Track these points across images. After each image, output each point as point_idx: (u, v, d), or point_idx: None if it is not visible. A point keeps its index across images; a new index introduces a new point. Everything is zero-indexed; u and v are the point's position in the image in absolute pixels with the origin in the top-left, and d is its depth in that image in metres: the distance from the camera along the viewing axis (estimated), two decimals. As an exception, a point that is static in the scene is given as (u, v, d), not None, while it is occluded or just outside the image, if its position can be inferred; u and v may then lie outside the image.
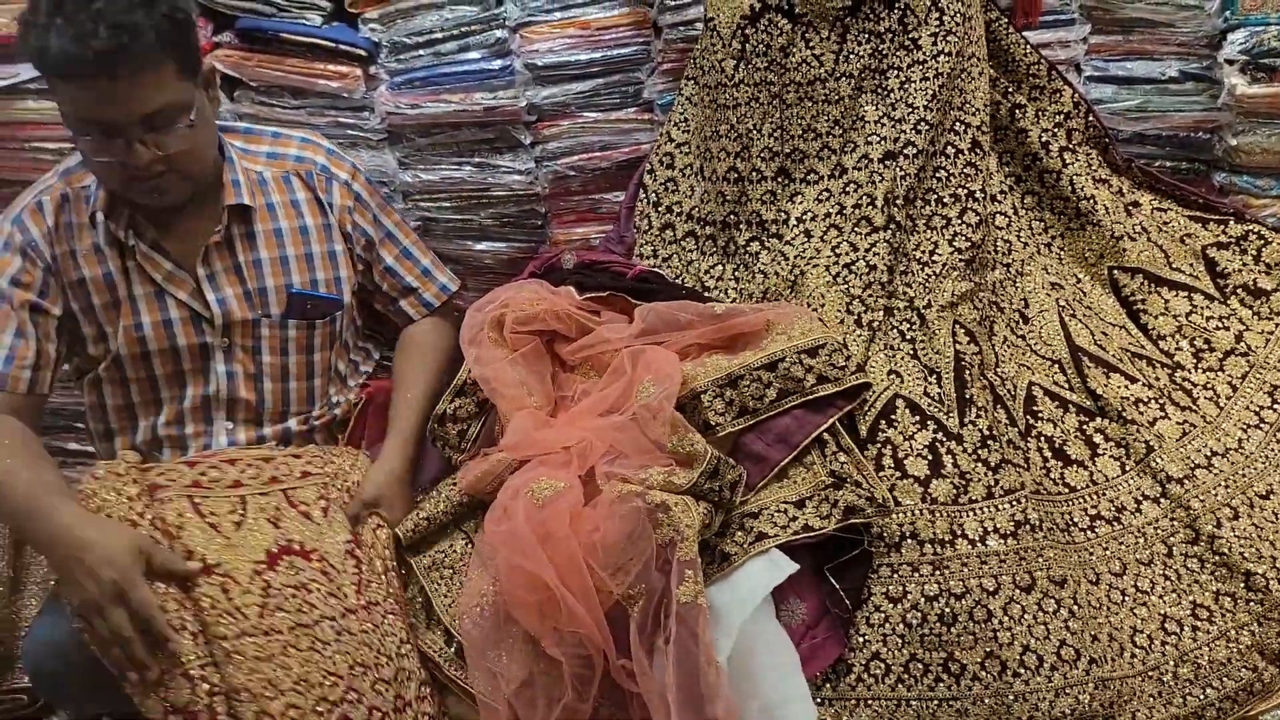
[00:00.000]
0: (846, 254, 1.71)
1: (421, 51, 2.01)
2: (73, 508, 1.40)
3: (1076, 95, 1.86)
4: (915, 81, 1.74)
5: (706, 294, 1.81)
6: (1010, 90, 1.87)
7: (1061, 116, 1.86)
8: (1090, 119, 1.87)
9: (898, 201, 1.72)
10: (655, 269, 1.83)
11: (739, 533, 1.42)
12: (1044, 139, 1.86)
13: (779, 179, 1.80)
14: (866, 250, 1.70)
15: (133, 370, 1.67)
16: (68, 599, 1.36)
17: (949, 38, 1.73)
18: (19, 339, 1.59)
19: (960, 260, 1.72)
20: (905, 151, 1.73)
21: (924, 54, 1.73)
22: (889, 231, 1.70)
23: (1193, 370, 1.72)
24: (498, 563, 1.39)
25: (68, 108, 1.47)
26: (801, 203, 1.79)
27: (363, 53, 2.00)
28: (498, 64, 1.99)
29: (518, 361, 1.62)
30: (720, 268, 1.84)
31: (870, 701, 1.37)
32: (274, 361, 1.71)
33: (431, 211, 2.12)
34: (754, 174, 1.81)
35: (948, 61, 1.73)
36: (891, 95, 1.75)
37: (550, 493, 1.38)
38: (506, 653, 1.40)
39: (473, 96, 2.00)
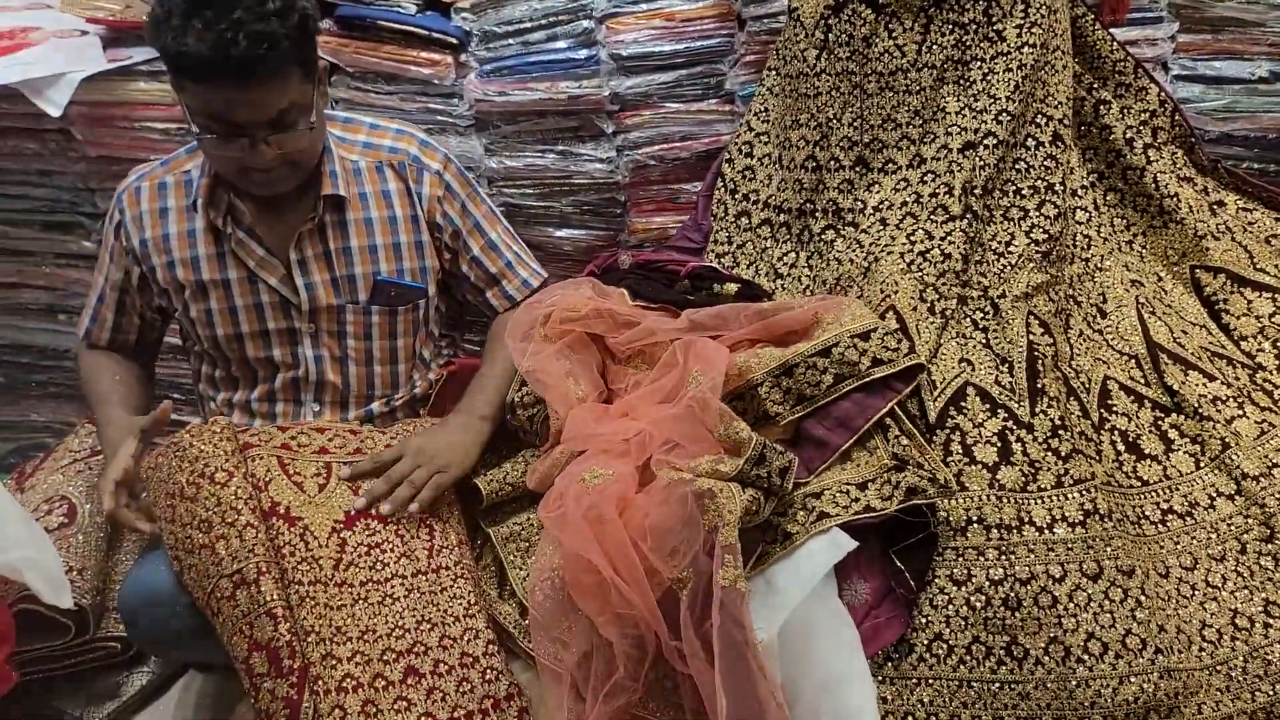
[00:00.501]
0: (922, 241, 1.72)
1: (510, 40, 2.06)
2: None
3: (1163, 94, 1.85)
4: (999, 73, 1.74)
5: (769, 289, 1.83)
6: (1095, 86, 1.86)
7: (1147, 115, 1.85)
8: (1176, 118, 1.85)
9: (975, 191, 1.73)
10: (711, 265, 1.85)
11: (801, 513, 1.44)
12: (1128, 135, 1.84)
13: (857, 168, 1.82)
14: (942, 239, 1.71)
15: (228, 349, 1.75)
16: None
17: (1034, 30, 1.73)
18: (118, 315, 1.81)
19: (1036, 252, 1.71)
20: (985, 142, 1.73)
21: (1008, 45, 1.73)
22: (965, 220, 1.71)
23: (1274, 372, 1.69)
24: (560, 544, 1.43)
25: (195, 105, 1.51)
26: (879, 192, 1.80)
27: (454, 41, 2.06)
28: (583, 54, 2.04)
29: (564, 353, 1.65)
30: (794, 255, 1.86)
31: (931, 681, 1.38)
32: (358, 346, 1.76)
33: (514, 198, 2.17)
34: (832, 163, 1.82)
35: (1031, 54, 1.73)
36: (974, 87, 1.75)
37: (600, 481, 1.41)
38: (571, 626, 1.43)
39: (558, 85, 2.05)
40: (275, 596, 1.37)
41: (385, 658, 1.43)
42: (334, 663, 1.38)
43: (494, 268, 1.84)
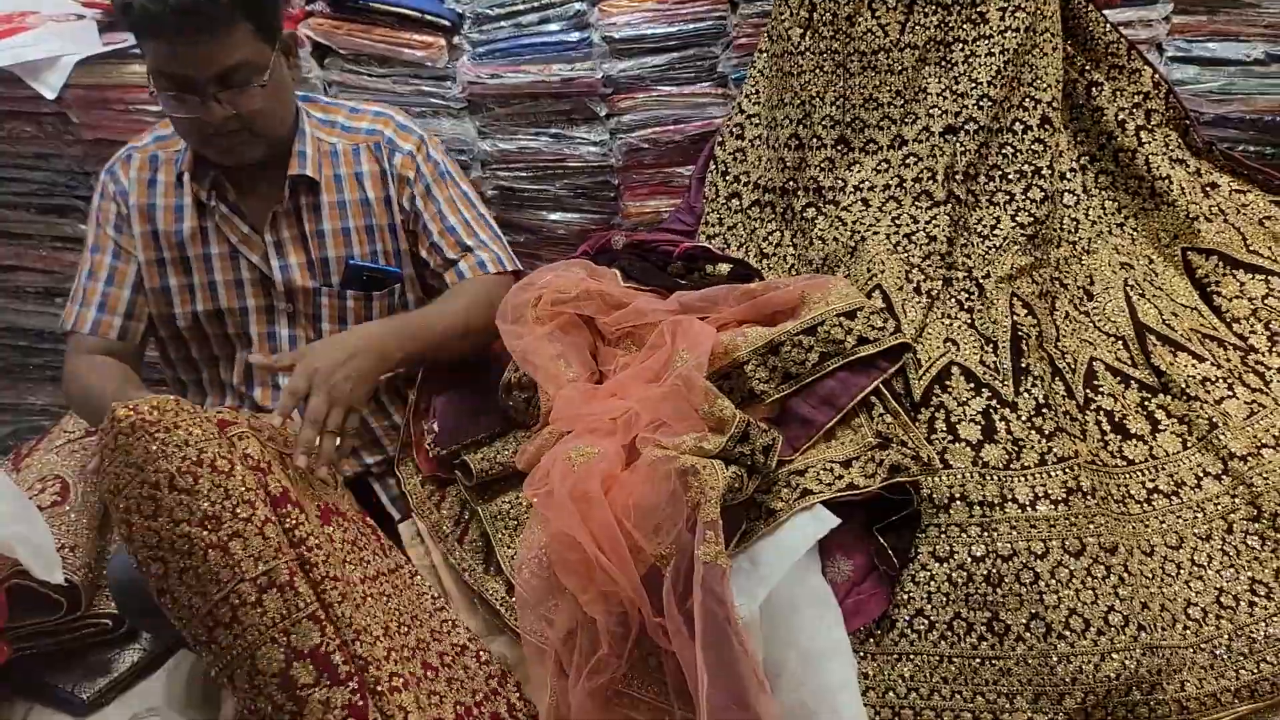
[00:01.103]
0: (907, 225, 1.72)
1: (503, 23, 2.07)
2: None
3: (1156, 76, 1.84)
4: (980, 56, 1.74)
5: (759, 268, 1.82)
6: (1087, 68, 1.85)
7: (1140, 97, 1.84)
8: (1170, 100, 1.84)
9: (957, 176, 1.73)
10: (704, 245, 1.85)
11: (785, 490, 1.43)
12: (1120, 117, 1.84)
13: (838, 147, 1.82)
14: (927, 223, 1.71)
15: (207, 325, 1.75)
16: None
17: (1018, 13, 1.73)
18: (110, 286, 1.71)
19: (1021, 235, 1.71)
20: (966, 127, 1.73)
21: (991, 28, 1.74)
22: (949, 205, 1.71)
23: (1267, 353, 1.68)
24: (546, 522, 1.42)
25: (150, 63, 1.54)
26: (859, 171, 1.80)
27: (447, 23, 2.07)
28: (576, 36, 2.04)
29: (555, 335, 1.63)
30: (779, 234, 1.87)
31: (913, 656, 1.38)
32: (333, 330, 1.76)
33: (508, 181, 2.17)
34: (814, 141, 1.83)
35: (1015, 37, 1.73)
36: (955, 69, 1.75)
37: (586, 459, 1.40)
38: (557, 604, 1.43)
39: (551, 68, 2.05)
40: (313, 598, 1.23)
41: (405, 654, 1.36)
42: (380, 662, 1.27)
43: (452, 253, 1.77)
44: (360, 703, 1.20)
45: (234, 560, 1.19)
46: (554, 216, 2.19)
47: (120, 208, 1.71)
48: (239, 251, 1.71)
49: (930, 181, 1.74)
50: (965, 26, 1.76)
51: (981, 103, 1.73)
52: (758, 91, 1.94)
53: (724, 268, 1.72)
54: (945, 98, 1.77)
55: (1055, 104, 1.78)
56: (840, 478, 1.43)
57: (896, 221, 1.73)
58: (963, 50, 1.75)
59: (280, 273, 1.72)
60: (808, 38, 1.81)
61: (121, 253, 1.72)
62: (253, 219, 1.70)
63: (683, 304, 1.64)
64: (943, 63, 1.77)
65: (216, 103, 1.53)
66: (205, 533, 1.19)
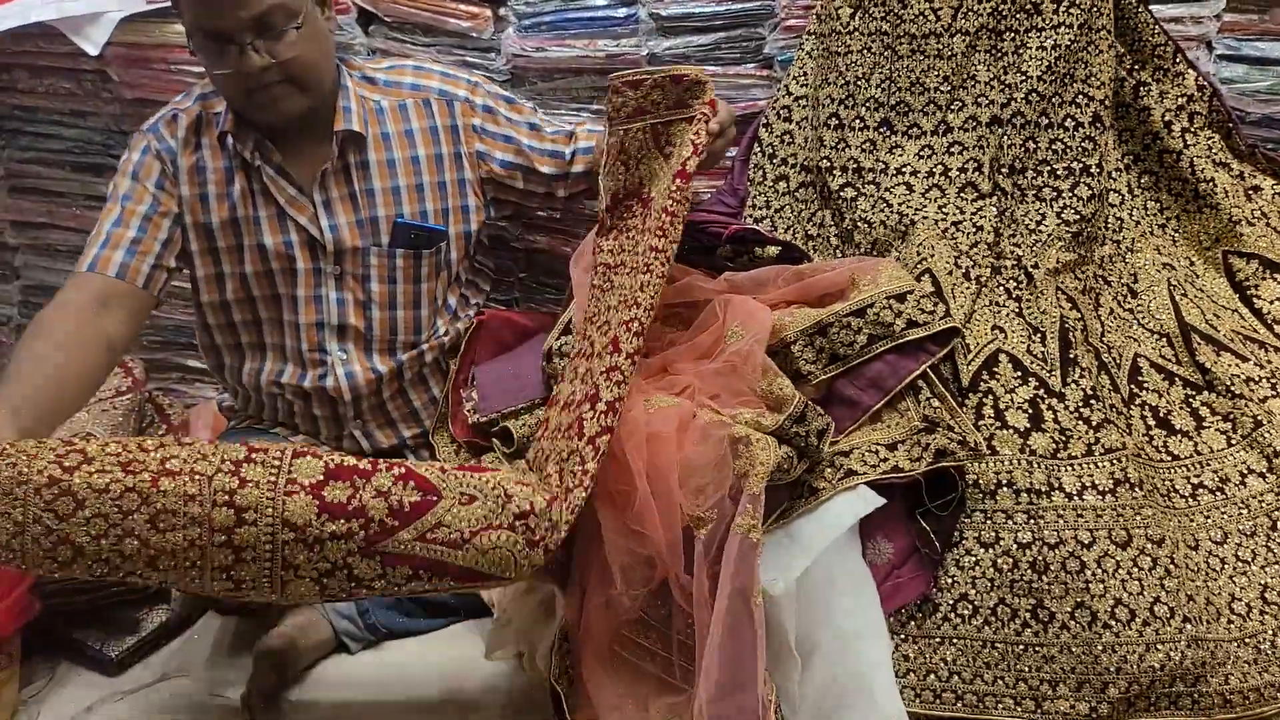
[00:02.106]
0: (953, 214, 1.72)
1: (551, -4, 2.06)
2: None
3: (1200, 79, 1.83)
4: (1031, 49, 1.74)
5: (806, 250, 1.82)
6: (1135, 68, 1.85)
7: (1184, 100, 1.84)
8: (1214, 103, 1.84)
9: (1003, 170, 1.73)
10: (753, 228, 1.84)
11: (829, 470, 1.43)
12: (1166, 119, 1.83)
13: (881, 130, 1.82)
14: (973, 214, 1.71)
15: (255, 288, 1.75)
16: None
17: (1072, 9, 1.72)
18: (143, 234, 1.67)
19: (1066, 232, 1.71)
20: (1014, 121, 1.73)
21: (1044, 20, 1.73)
22: (995, 198, 1.71)
23: (1309, 356, 1.68)
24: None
25: (187, 21, 1.55)
26: (901, 155, 1.80)
27: (494, -6, 2.06)
28: (623, 12, 2.03)
29: None
30: (822, 215, 1.86)
31: (955, 640, 1.38)
32: (382, 290, 1.76)
33: (548, 155, 2.16)
34: (856, 122, 1.82)
35: (1068, 34, 1.73)
36: (1005, 58, 1.75)
37: (664, 405, 1.41)
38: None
39: (596, 43, 2.04)
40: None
41: None
42: None
43: (558, 145, 1.83)
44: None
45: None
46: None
47: (165, 166, 1.70)
48: (286, 213, 1.70)
49: (976, 174, 1.74)
50: (1019, 16, 1.75)
51: (1030, 97, 1.73)
52: (805, 74, 1.93)
53: (772, 250, 1.71)
54: (993, 87, 1.76)
55: (1107, 102, 1.77)
56: (885, 460, 1.43)
57: (942, 210, 1.73)
58: (1014, 40, 1.75)
59: (330, 232, 1.71)
60: (857, 17, 1.80)
61: (160, 207, 1.69)
62: (300, 180, 1.70)
63: (732, 284, 1.64)
64: (993, 51, 1.77)
65: (255, 52, 1.53)
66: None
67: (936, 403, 1.50)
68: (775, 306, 1.60)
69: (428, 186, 1.76)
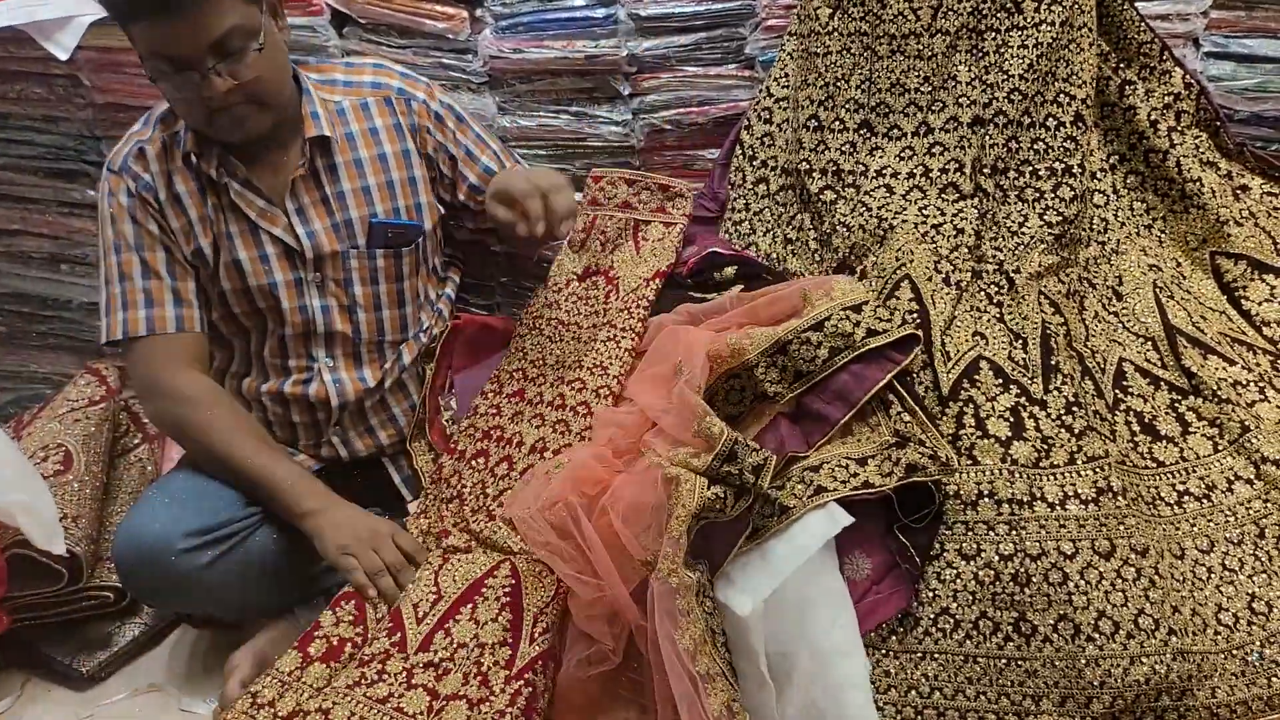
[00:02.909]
0: (934, 216, 1.69)
1: (528, -3, 2.02)
2: (336, 499, 1.61)
3: (1187, 77, 1.81)
4: (1013, 47, 1.71)
5: (774, 259, 1.80)
6: (1120, 66, 1.82)
7: (1171, 98, 1.81)
8: (1202, 101, 1.81)
9: (985, 170, 1.70)
10: (712, 249, 1.81)
11: (799, 485, 1.40)
12: (1153, 118, 1.81)
13: (861, 131, 1.79)
14: (954, 215, 1.68)
15: (235, 305, 1.71)
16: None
17: (1054, 6, 1.70)
18: (174, 279, 1.66)
19: (1049, 234, 1.69)
20: (995, 120, 1.71)
21: (1025, 19, 1.71)
22: (976, 199, 1.68)
23: (1298, 358, 1.66)
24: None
25: (142, 48, 1.50)
26: (881, 157, 1.77)
27: (470, -5, 2.03)
28: (602, 12, 1.99)
29: None
30: (801, 218, 1.83)
31: (937, 655, 1.35)
32: (365, 292, 1.74)
33: (527, 159, 2.13)
34: (836, 124, 1.80)
35: (1050, 31, 1.70)
36: (987, 58, 1.73)
37: (560, 470, 1.42)
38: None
39: (575, 44, 2.00)
40: None
41: None
42: None
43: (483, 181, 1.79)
44: None
45: None
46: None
47: (151, 203, 1.65)
48: (258, 226, 1.67)
49: (957, 174, 1.71)
50: (999, 15, 1.73)
51: (1012, 96, 1.71)
52: (786, 75, 1.91)
53: (729, 271, 1.70)
54: (975, 87, 1.74)
55: (1089, 101, 1.75)
56: (855, 475, 1.40)
57: (923, 212, 1.70)
58: (995, 39, 1.72)
59: (307, 239, 1.68)
60: (836, 18, 1.78)
61: (171, 245, 1.66)
62: (269, 191, 1.66)
63: (690, 314, 1.64)
64: (974, 51, 1.74)
65: (217, 75, 1.49)
66: None
67: (907, 417, 1.47)
68: (728, 329, 1.58)
69: (397, 183, 1.74)
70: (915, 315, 1.58)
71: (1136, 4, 1.80)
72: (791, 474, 1.42)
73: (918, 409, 1.48)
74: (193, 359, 1.66)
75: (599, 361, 1.66)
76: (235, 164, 1.65)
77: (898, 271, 1.63)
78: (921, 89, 1.76)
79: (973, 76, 1.74)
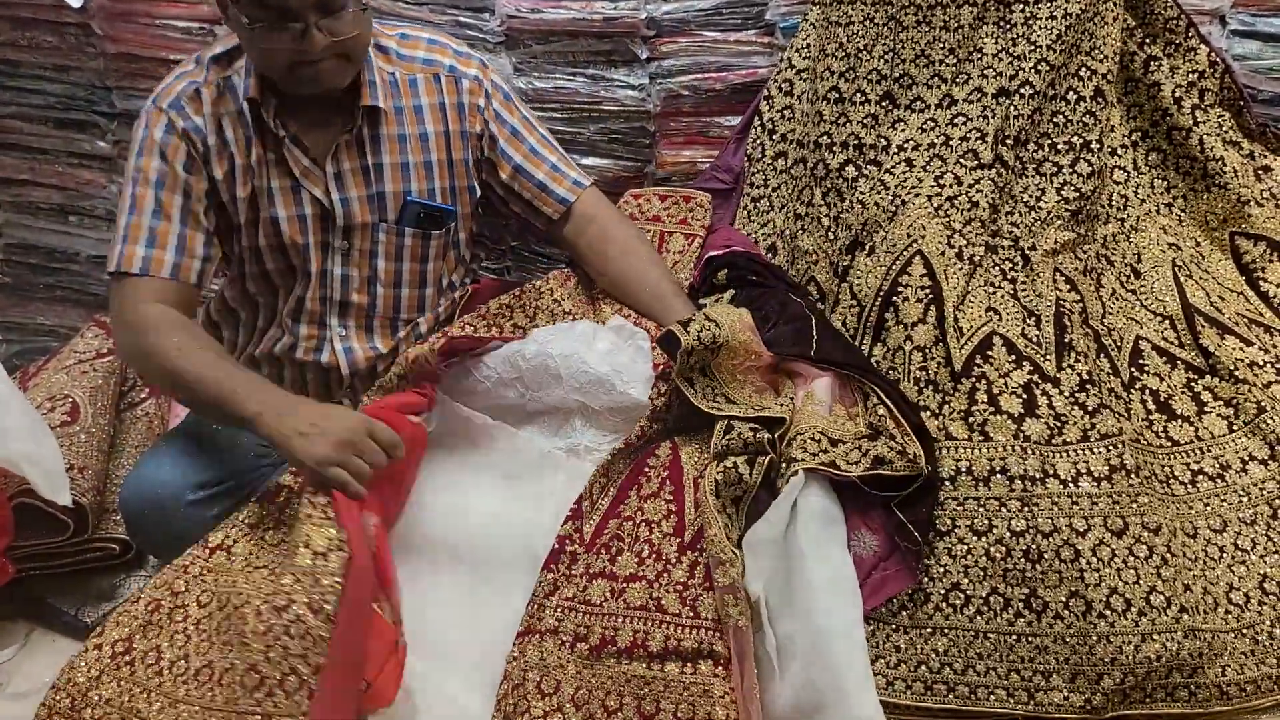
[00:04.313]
0: (950, 186, 1.68)
1: (547, -44, 2.00)
2: (297, 400, 1.49)
3: (1213, 55, 1.79)
4: (1041, 19, 1.69)
5: (766, 262, 1.79)
6: (1146, 42, 1.80)
7: (1195, 75, 1.79)
8: (1226, 80, 1.79)
9: (1007, 141, 1.68)
10: (710, 255, 1.80)
11: (782, 465, 1.41)
12: (1177, 95, 1.79)
13: (883, 103, 1.77)
14: (970, 186, 1.67)
15: (270, 261, 1.69)
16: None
17: None
18: (185, 227, 1.60)
19: (1066, 210, 1.67)
20: (1021, 90, 1.69)
21: None
22: (994, 170, 1.66)
23: (1315, 341, 1.65)
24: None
25: None
26: (904, 130, 1.75)
27: (489, -47, 2.00)
28: (621, -26, 1.98)
29: None
30: (811, 192, 1.81)
31: (947, 631, 1.35)
32: (388, 267, 1.71)
33: (541, 121, 2.10)
34: (857, 95, 1.78)
35: (1079, 3, 1.68)
36: (1015, 29, 1.70)
37: None
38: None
39: (593, 5, 1.98)
40: None
41: None
42: None
43: (539, 174, 1.74)
44: None
45: None
46: (587, 161, 2.13)
47: (193, 146, 1.61)
48: (301, 185, 1.64)
49: (979, 142, 1.69)
50: (1029, -14, 1.70)
51: (1039, 67, 1.68)
52: (808, 45, 1.88)
53: (721, 275, 1.71)
54: (1001, 59, 1.72)
55: (1110, 76, 1.73)
56: (825, 451, 1.40)
57: (939, 182, 1.68)
58: (1023, 11, 1.70)
59: (340, 205, 1.65)
60: None
61: (193, 192, 1.61)
62: (314, 151, 1.64)
63: None
64: (1001, 23, 1.72)
65: (318, 30, 1.46)
66: None
67: (882, 410, 1.46)
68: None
69: (436, 165, 1.70)
70: (928, 290, 1.57)
71: (1164, -19, 1.78)
72: (781, 455, 1.42)
73: (893, 408, 1.46)
74: (175, 305, 1.58)
75: None
76: (289, 119, 1.62)
77: (910, 247, 1.61)
78: (947, 60, 1.74)
79: (999, 49, 1.72)
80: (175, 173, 1.59)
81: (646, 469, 1.49)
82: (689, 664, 1.30)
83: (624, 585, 1.37)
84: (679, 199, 1.91)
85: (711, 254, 1.78)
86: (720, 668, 1.30)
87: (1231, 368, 1.55)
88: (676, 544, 1.39)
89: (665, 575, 1.37)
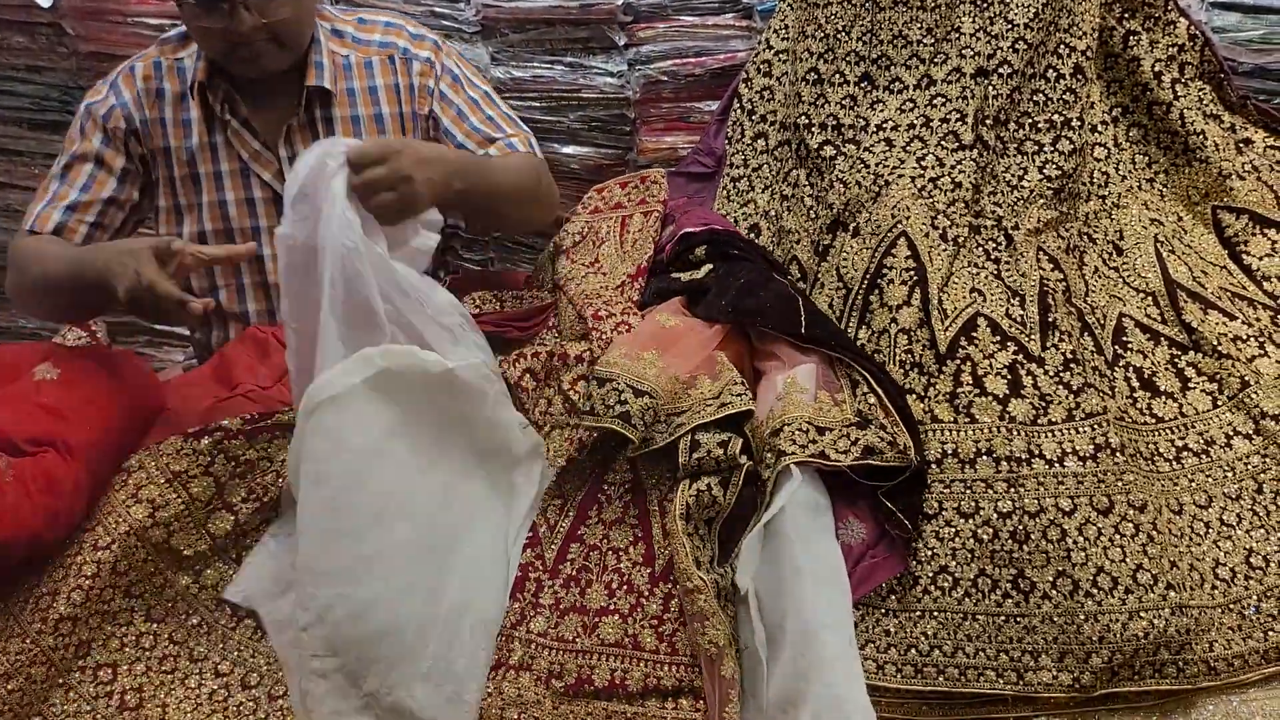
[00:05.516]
0: (933, 168, 1.67)
1: (521, -57, 1.99)
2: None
3: (1192, 28, 1.78)
4: None
5: (744, 238, 1.78)
6: (1125, 16, 1.79)
7: (1175, 49, 1.79)
8: (1206, 53, 1.79)
9: (987, 121, 1.68)
10: (688, 230, 1.77)
11: (768, 455, 1.40)
12: (1156, 69, 1.78)
13: (861, 84, 1.76)
14: (952, 167, 1.66)
15: (214, 244, 1.68)
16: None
17: None
18: (85, 193, 1.64)
19: (1049, 188, 1.67)
20: (1000, 70, 1.68)
21: None
22: (975, 151, 1.66)
23: (1298, 313, 1.65)
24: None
25: None
26: (882, 111, 1.75)
27: (463, -58, 1.99)
28: (596, -41, 1.97)
29: None
30: (797, 173, 1.81)
31: (936, 614, 1.35)
32: None
33: (520, 110, 2.09)
34: (836, 76, 1.77)
35: None
36: (992, 8, 1.70)
37: None
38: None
39: (569, -8, 1.98)
40: None
41: None
42: None
43: (479, 148, 1.72)
44: None
45: None
46: (567, 150, 2.13)
47: (120, 122, 1.65)
48: (250, 169, 1.65)
49: (959, 123, 1.69)
50: (1005, -36, 1.69)
51: (1017, 45, 1.68)
52: (786, 27, 1.87)
53: (700, 251, 1.70)
54: (979, 38, 1.71)
55: (1090, 53, 1.72)
56: (814, 442, 1.39)
57: (921, 163, 1.68)
58: None
59: None
60: None
61: (103, 164, 1.66)
62: (265, 135, 1.64)
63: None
64: (979, 2, 1.71)
65: (246, 10, 1.48)
66: None
67: (872, 399, 1.46)
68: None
69: None
70: (913, 272, 1.57)
71: (1141, -46, 1.78)
72: (765, 445, 1.41)
73: (883, 396, 1.46)
74: None
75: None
76: (238, 101, 1.63)
77: (894, 229, 1.61)
78: (924, 40, 1.73)
79: (977, 28, 1.71)
80: (89, 143, 1.65)
81: (605, 488, 1.46)
82: (670, 700, 1.29)
83: (596, 620, 1.34)
84: (637, 181, 1.90)
85: (688, 229, 1.77)
86: (702, 702, 1.29)
87: (1215, 343, 1.55)
88: (648, 574, 1.36)
89: (639, 609, 1.34)
